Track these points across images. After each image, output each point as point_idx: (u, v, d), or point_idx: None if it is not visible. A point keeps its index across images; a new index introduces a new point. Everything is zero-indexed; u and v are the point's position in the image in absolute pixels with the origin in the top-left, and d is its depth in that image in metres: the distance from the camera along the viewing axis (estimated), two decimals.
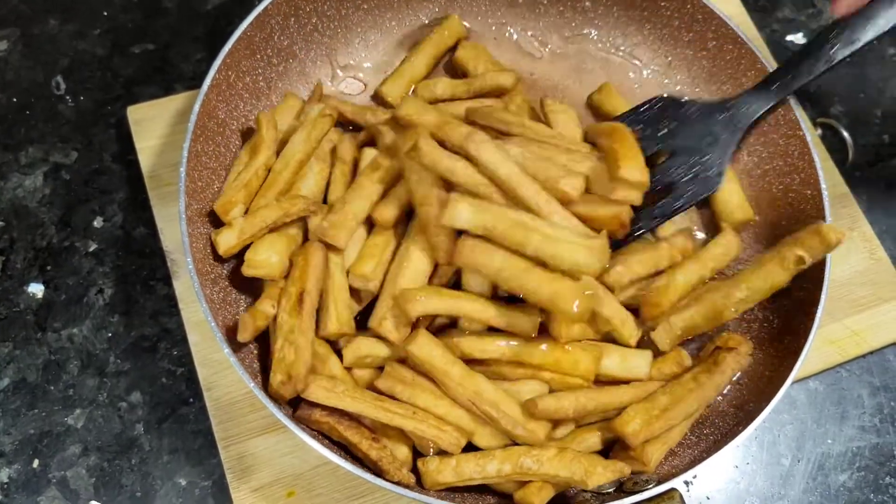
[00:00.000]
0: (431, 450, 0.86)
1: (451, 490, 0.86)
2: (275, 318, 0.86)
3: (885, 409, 1.04)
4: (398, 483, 0.82)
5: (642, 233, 0.96)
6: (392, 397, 0.85)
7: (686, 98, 1.02)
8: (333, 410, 0.84)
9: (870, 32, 0.96)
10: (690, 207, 0.99)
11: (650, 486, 0.85)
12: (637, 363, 0.91)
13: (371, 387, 0.87)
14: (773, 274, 0.90)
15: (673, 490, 0.85)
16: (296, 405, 0.86)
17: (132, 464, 0.95)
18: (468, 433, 0.85)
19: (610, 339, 0.92)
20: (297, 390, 0.82)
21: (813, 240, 0.89)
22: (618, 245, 0.95)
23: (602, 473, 0.84)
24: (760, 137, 1.05)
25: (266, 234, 0.90)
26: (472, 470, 0.83)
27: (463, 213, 0.82)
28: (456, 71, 1.09)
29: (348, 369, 0.88)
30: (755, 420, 0.86)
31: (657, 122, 1.01)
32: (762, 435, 1.02)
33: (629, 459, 0.88)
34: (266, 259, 0.88)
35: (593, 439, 0.89)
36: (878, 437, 1.02)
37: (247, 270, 0.89)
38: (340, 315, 0.87)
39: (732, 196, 1.03)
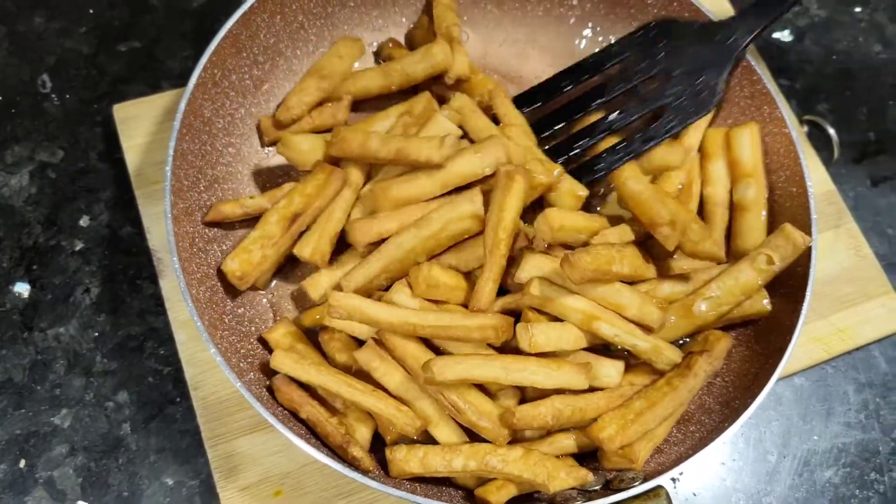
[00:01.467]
0: (388, 436, 0.87)
1: (415, 480, 0.87)
2: (265, 212, 0.94)
3: (871, 406, 1.04)
4: (354, 463, 0.83)
5: (631, 157, 1.00)
6: (364, 375, 0.87)
7: (678, 20, 1.04)
8: (302, 389, 0.87)
9: None
10: (685, 127, 1.01)
11: (636, 483, 0.85)
12: (608, 372, 0.90)
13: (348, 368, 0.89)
14: (744, 274, 0.91)
15: (659, 487, 0.85)
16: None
17: (119, 463, 0.95)
18: (427, 421, 0.86)
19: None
20: (239, 286, 0.92)
21: (779, 240, 0.90)
22: (592, 173, 1.00)
23: (564, 479, 0.84)
24: None
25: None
26: (438, 463, 0.84)
27: None
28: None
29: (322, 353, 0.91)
30: (741, 417, 0.87)
31: (652, 46, 1.04)
32: (748, 431, 1.02)
33: (616, 457, 0.88)
34: (300, 145, 0.96)
35: (567, 441, 0.90)
36: (863, 433, 1.03)
37: (280, 148, 0.96)
38: (320, 245, 0.92)
39: (754, 230, 1.00)
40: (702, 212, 1.02)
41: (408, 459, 0.84)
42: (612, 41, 1.07)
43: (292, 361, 0.86)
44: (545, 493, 0.85)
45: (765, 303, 0.95)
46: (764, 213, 1.01)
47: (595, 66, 1.05)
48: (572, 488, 0.87)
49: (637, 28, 1.06)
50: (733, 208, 1.02)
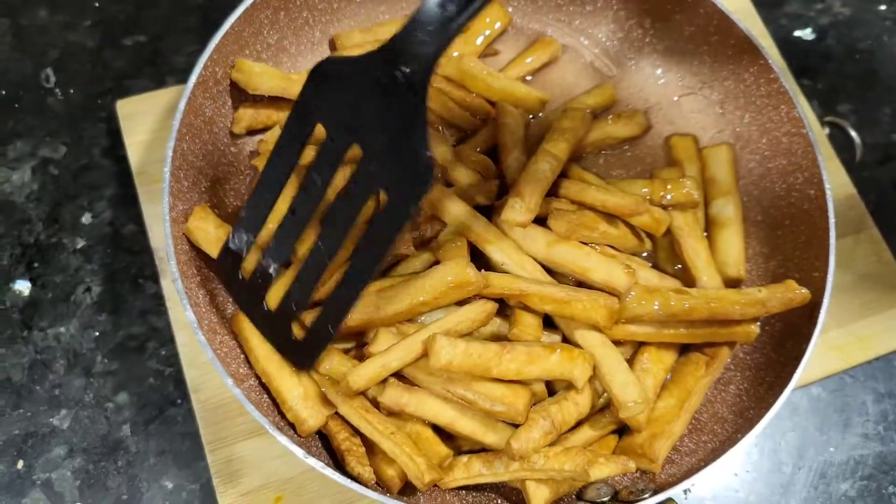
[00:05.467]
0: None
1: (462, 488, 0.87)
2: None
3: (890, 417, 1.02)
4: (357, 479, 0.81)
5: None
6: (396, 414, 0.85)
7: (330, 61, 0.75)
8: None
9: None
10: (409, 223, 0.84)
11: (646, 495, 0.83)
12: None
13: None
14: (727, 292, 0.90)
15: (669, 500, 0.83)
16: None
17: (118, 466, 0.94)
18: (439, 472, 0.83)
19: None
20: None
21: (780, 287, 0.90)
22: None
23: (605, 464, 0.83)
24: (763, 136, 1.02)
25: None
26: (480, 466, 0.84)
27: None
28: None
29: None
30: (755, 427, 0.85)
31: (328, 110, 0.74)
32: (763, 442, 1.00)
33: (636, 458, 0.87)
34: (252, 68, 0.95)
35: (588, 433, 0.89)
36: (881, 445, 1.00)
37: (234, 73, 0.95)
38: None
39: (732, 247, 0.99)
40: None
41: (452, 466, 0.85)
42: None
43: (331, 390, 0.85)
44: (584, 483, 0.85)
45: (752, 328, 0.92)
46: (741, 232, 1.00)
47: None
48: (584, 500, 0.85)
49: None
50: (708, 223, 1.01)
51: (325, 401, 0.85)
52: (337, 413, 0.85)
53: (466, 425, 0.85)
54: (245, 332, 0.87)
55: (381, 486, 0.84)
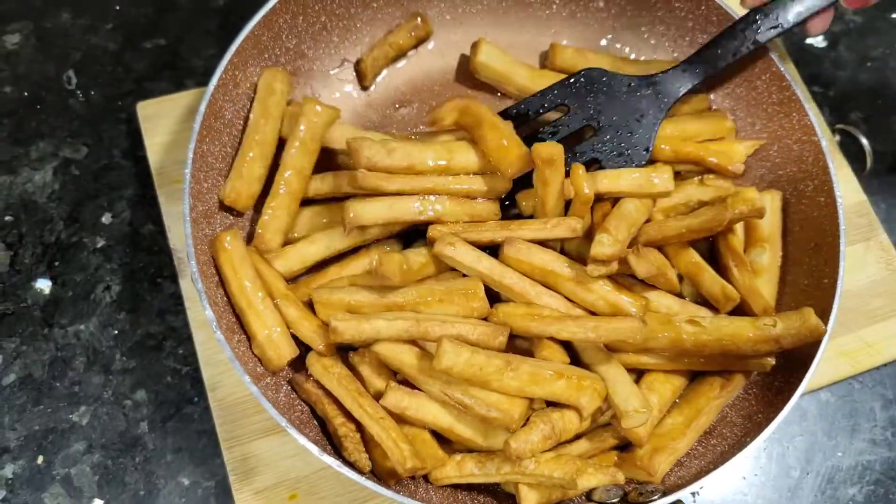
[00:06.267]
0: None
1: (454, 487, 0.87)
2: None
3: None
4: (354, 465, 0.83)
5: None
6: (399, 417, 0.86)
7: (612, 71, 1.01)
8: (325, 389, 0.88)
9: (791, 16, 0.99)
10: None
11: (655, 497, 0.84)
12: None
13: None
14: (740, 322, 0.89)
15: (678, 502, 0.84)
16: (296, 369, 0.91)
17: (136, 462, 0.96)
18: (434, 459, 0.85)
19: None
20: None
21: (794, 316, 0.89)
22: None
23: (593, 475, 0.84)
24: (774, 143, 1.03)
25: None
26: (472, 467, 0.85)
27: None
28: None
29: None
30: (764, 431, 0.85)
31: (584, 96, 1.00)
32: (771, 446, 1.00)
33: (636, 470, 0.87)
34: None
35: (585, 445, 0.90)
36: (889, 450, 1.01)
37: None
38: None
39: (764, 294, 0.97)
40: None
41: (444, 462, 0.86)
42: (553, 86, 1.02)
43: (321, 368, 0.87)
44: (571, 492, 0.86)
45: (768, 360, 0.92)
46: (776, 280, 0.99)
47: (525, 113, 1.01)
48: (592, 500, 0.86)
49: (568, 76, 1.02)
50: None
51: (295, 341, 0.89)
52: (333, 398, 0.87)
53: (465, 431, 0.86)
54: (222, 261, 0.89)
55: (377, 475, 0.85)
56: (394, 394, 0.85)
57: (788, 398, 0.87)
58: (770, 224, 1.00)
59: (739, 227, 1.00)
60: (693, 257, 0.94)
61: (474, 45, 1.05)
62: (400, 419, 0.86)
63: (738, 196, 0.93)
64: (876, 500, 0.98)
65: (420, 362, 0.85)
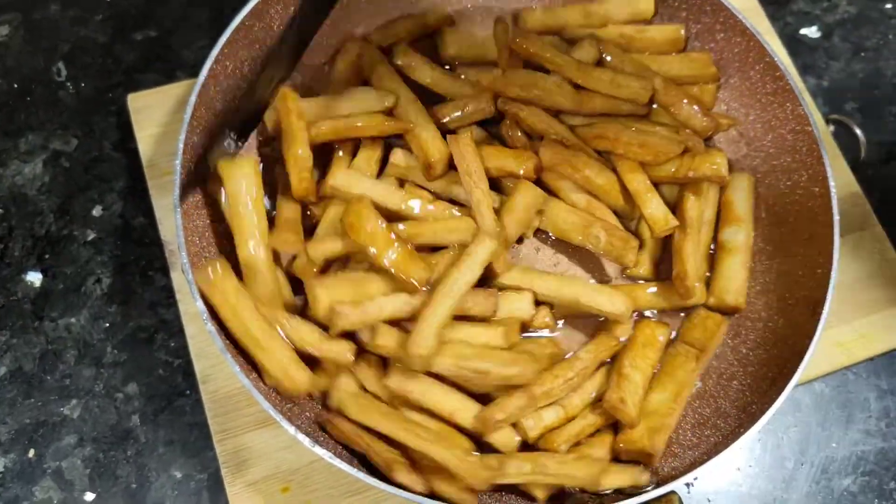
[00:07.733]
0: None
1: None
2: None
3: (892, 413, 1.02)
4: (399, 485, 0.81)
5: None
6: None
7: None
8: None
9: None
10: None
11: (649, 488, 0.84)
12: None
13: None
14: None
15: (672, 493, 0.84)
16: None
17: (127, 455, 0.95)
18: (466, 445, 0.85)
19: None
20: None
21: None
22: None
23: (617, 474, 0.85)
24: (768, 133, 1.03)
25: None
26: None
27: None
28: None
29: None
30: (758, 422, 0.85)
31: None
32: (765, 437, 1.00)
33: (635, 451, 0.88)
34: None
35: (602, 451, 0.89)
36: (883, 441, 1.01)
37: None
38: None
39: (736, 276, 0.98)
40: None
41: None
42: None
43: (358, 407, 0.85)
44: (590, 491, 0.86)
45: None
46: (749, 263, 0.99)
47: None
48: (585, 491, 0.86)
49: None
50: (717, 247, 1.00)
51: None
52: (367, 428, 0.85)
53: (466, 419, 0.86)
54: (216, 301, 0.84)
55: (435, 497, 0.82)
56: (398, 376, 0.85)
57: (782, 389, 0.86)
58: (744, 205, 1.00)
59: (710, 207, 1.00)
60: (645, 179, 0.95)
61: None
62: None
63: (706, 154, 0.94)
64: (870, 491, 0.98)
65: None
